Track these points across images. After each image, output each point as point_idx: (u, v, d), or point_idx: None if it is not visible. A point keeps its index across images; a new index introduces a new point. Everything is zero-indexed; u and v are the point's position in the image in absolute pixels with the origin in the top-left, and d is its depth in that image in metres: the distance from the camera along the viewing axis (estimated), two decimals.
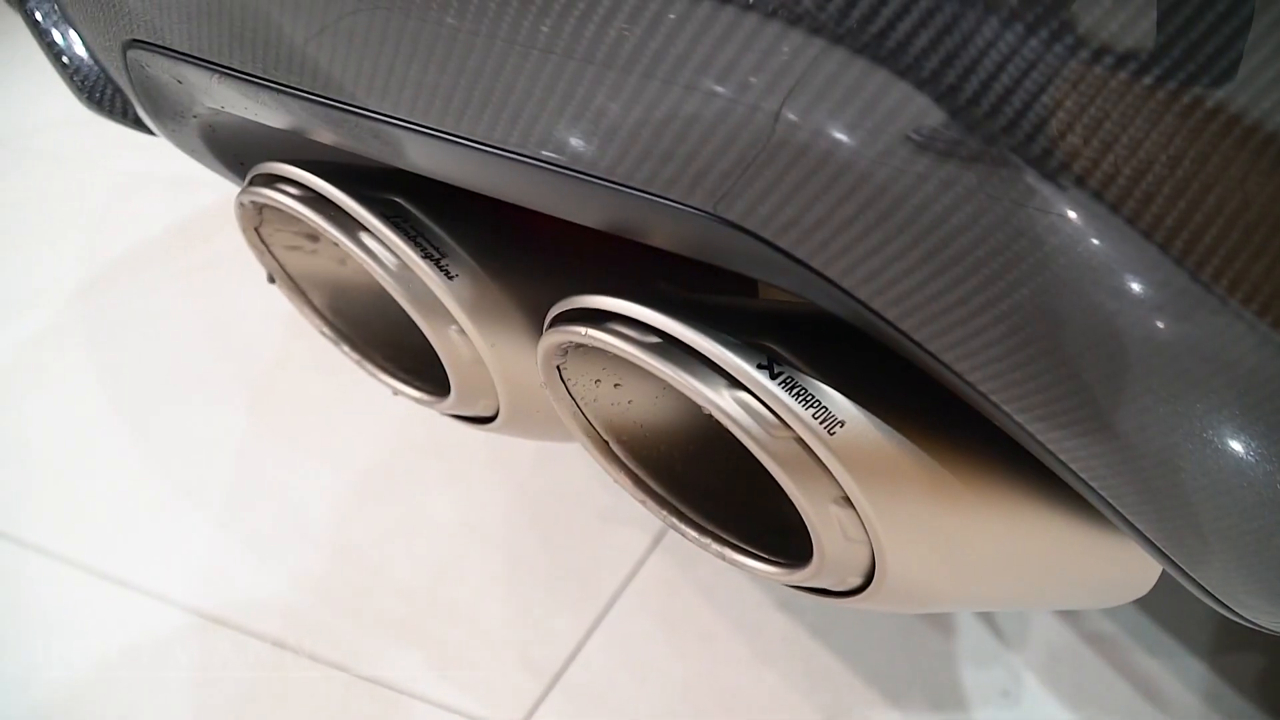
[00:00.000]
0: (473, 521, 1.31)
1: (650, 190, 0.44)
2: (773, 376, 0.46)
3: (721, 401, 0.47)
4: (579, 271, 0.60)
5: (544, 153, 0.45)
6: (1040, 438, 0.44)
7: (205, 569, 1.27)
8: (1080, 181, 0.37)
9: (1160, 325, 0.40)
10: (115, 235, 1.89)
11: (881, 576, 0.50)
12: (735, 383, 0.47)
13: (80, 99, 0.72)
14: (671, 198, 0.43)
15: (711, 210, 0.43)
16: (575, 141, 0.44)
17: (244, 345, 1.59)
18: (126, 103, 0.70)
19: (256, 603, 1.22)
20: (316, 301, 0.68)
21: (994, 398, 0.42)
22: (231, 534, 1.32)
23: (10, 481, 1.41)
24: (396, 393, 0.67)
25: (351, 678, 1.14)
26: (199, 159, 0.69)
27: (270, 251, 0.66)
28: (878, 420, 0.47)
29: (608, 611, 1.20)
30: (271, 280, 0.70)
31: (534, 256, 0.60)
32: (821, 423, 0.46)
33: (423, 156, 0.50)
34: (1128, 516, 0.45)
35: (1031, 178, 0.38)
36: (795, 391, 0.46)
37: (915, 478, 0.47)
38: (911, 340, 0.42)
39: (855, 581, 0.52)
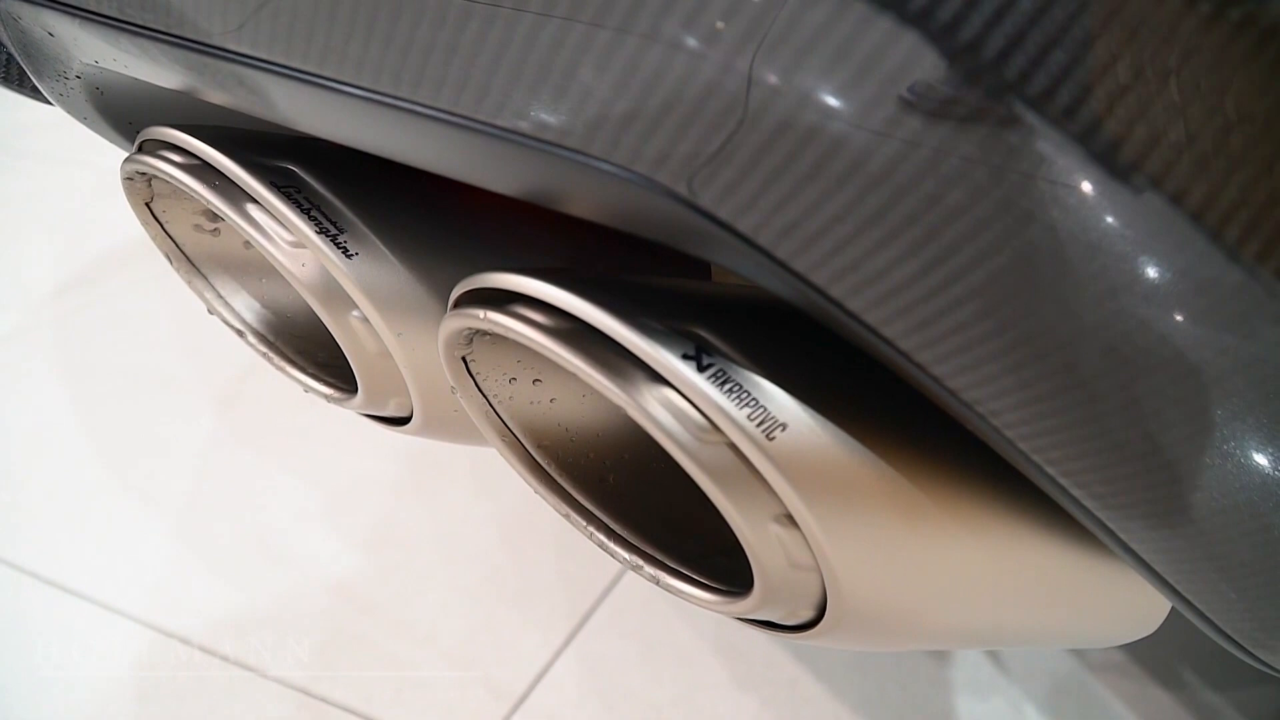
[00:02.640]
0: (441, 533, 1.24)
1: (559, 144, 0.37)
2: (700, 369, 0.39)
3: (639, 399, 0.39)
4: (500, 249, 0.52)
5: (428, 99, 0.37)
6: (1044, 465, 0.36)
7: (159, 579, 1.21)
8: (1111, 147, 0.30)
9: (1211, 334, 0.32)
10: (97, 235, 1.85)
11: (835, 610, 0.42)
12: (657, 377, 0.39)
13: None
14: (572, 148, 0.35)
15: (624, 166, 0.35)
16: (475, 89, 0.37)
17: (217, 349, 1.52)
18: (22, 69, 0.63)
19: (209, 616, 1.16)
20: (219, 287, 0.61)
21: (995, 421, 0.35)
22: (188, 544, 1.26)
23: None
24: (307, 390, 0.60)
25: (304, 696, 1.07)
26: (93, 127, 0.62)
27: (166, 231, 0.59)
28: (827, 423, 0.39)
29: (579, 630, 1.13)
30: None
31: (447, 232, 0.52)
32: (758, 425, 0.38)
33: (294, 108, 0.43)
34: (1141, 555, 0.37)
35: (1050, 144, 0.30)
36: (727, 387, 0.38)
37: (872, 492, 0.39)
38: (896, 348, 0.34)
39: (807, 615, 0.44)
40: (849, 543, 0.39)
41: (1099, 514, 0.38)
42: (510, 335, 0.41)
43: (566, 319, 0.41)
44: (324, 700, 1.06)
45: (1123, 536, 0.39)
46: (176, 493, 1.32)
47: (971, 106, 0.30)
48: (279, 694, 1.08)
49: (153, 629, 1.15)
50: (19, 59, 0.57)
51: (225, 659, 1.11)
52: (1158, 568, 0.40)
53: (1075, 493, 0.38)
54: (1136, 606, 0.48)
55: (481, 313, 0.42)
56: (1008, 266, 0.32)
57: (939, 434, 0.41)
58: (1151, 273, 0.33)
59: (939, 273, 0.32)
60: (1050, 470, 0.37)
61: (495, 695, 1.06)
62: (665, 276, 0.50)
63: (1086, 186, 0.32)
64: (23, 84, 0.66)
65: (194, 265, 0.60)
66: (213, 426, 1.42)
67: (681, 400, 0.39)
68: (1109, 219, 0.32)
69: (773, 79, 0.31)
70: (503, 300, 0.43)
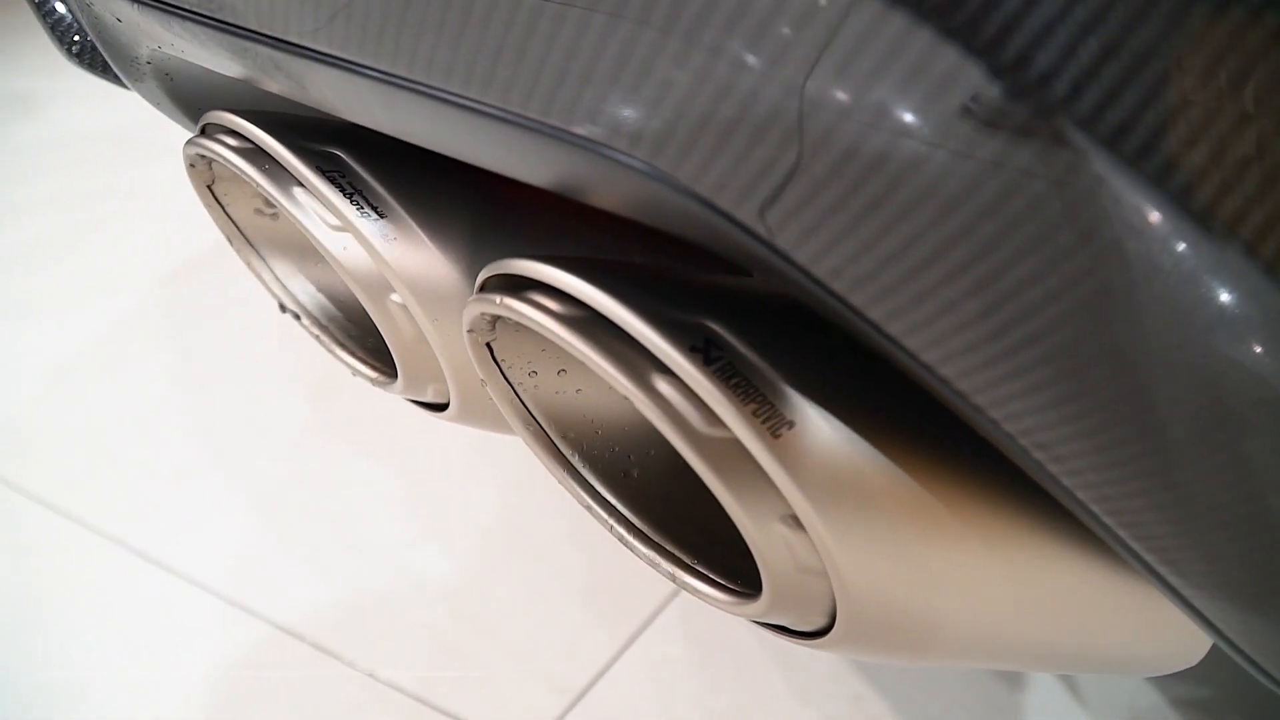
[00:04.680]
0: (514, 527, 1.25)
1: (580, 135, 0.36)
2: (707, 362, 0.38)
3: (646, 390, 0.38)
4: (539, 238, 0.52)
5: (497, 100, 0.37)
6: (1096, 510, 0.34)
7: (240, 557, 1.25)
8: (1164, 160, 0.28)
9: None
10: (209, 226, 1.91)
11: (845, 618, 0.40)
12: (664, 368, 0.38)
13: (60, 51, 0.69)
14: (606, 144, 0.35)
15: (640, 159, 0.35)
16: (492, 74, 0.37)
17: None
18: (101, 55, 0.66)
19: (284, 595, 1.19)
20: (277, 270, 0.62)
21: (1026, 444, 0.33)
22: (271, 524, 1.30)
23: (67, 458, 1.42)
24: (355, 373, 0.61)
25: (367, 679, 1.09)
26: (166, 111, 0.65)
27: (226, 213, 0.61)
28: (837, 423, 0.37)
29: (643, 631, 1.12)
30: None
31: (486, 220, 0.52)
32: (764, 421, 0.37)
33: (332, 94, 0.43)
34: (1185, 595, 0.35)
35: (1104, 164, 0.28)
36: (734, 381, 0.37)
37: (883, 496, 0.38)
38: (926, 367, 0.32)
39: (820, 621, 0.43)
40: (857, 548, 0.38)
41: (1186, 594, 0.36)
42: (523, 321, 0.41)
43: (579, 307, 0.40)
44: (377, 679, 1.08)
45: (1206, 614, 0.36)
46: (265, 475, 1.37)
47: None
48: (344, 675, 1.10)
49: (230, 604, 1.19)
50: (97, 44, 0.60)
51: (294, 637, 1.14)
52: (1237, 641, 0.38)
53: (1161, 570, 0.35)
54: (1177, 636, 0.45)
55: (498, 298, 0.42)
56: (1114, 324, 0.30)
57: (956, 439, 0.39)
58: (1236, 310, 0.30)
59: (1007, 309, 0.30)
60: (1130, 542, 0.34)
61: (554, 691, 1.06)
62: (698, 269, 0.49)
63: (1159, 217, 0.29)
64: (106, 70, 0.69)
65: (253, 247, 0.62)
66: (306, 413, 1.46)
67: (688, 393, 0.38)
68: (1183, 246, 0.30)
69: (828, 102, 0.30)
70: (522, 286, 0.43)
